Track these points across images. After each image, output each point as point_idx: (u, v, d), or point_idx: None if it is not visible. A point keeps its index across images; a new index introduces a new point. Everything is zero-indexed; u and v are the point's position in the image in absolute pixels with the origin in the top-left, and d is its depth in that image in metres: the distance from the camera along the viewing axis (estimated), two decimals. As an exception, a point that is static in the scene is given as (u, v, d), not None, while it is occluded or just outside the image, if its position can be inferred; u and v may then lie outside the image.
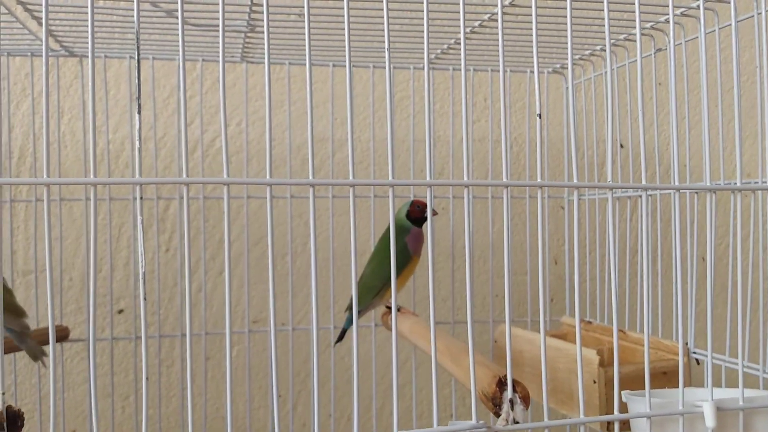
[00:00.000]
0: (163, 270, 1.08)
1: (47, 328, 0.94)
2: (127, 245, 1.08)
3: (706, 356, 0.63)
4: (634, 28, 0.76)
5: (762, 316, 0.78)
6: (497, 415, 0.54)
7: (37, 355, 0.89)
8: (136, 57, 0.46)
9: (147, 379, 0.45)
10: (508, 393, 0.53)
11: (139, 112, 0.46)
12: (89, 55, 0.48)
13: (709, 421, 0.57)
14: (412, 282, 1.03)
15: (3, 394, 0.46)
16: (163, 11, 0.68)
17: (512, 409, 0.53)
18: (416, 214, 0.93)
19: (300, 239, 1.14)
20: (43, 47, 0.46)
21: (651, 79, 0.94)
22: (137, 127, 0.46)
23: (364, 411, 1.11)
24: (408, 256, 0.92)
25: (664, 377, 0.80)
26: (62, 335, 0.97)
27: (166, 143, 1.11)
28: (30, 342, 0.86)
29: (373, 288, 0.92)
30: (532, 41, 0.55)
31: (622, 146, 1.14)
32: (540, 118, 0.55)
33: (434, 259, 1.06)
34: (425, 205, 0.92)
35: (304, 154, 1.14)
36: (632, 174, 0.89)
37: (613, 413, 0.60)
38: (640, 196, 0.60)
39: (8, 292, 0.84)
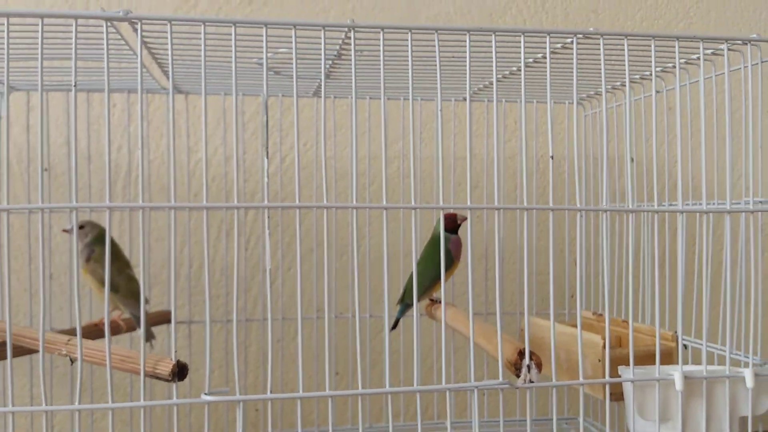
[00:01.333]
0: (247, 266, 1.29)
1: (155, 313, 1.16)
2: (213, 246, 1.29)
3: (700, 343, 0.82)
4: (637, 71, 0.95)
5: (731, 308, 0.96)
6: (518, 376, 0.74)
7: (148, 337, 1.09)
8: (265, 116, 0.67)
9: (272, 320, 0.65)
10: (526, 360, 0.73)
11: (266, 157, 0.66)
12: (233, 98, 0.68)
13: (678, 385, 0.76)
14: (451, 280, 1.24)
15: (176, 351, 0.67)
16: (277, 74, 0.88)
17: (529, 372, 0.73)
18: (450, 225, 1.15)
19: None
20: (203, 118, 0.66)
21: (643, 117, 1.12)
22: (265, 166, 0.66)
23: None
24: (451, 261, 1.14)
25: (657, 358, 0.99)
26: (166, 318, 1.18)
27: (249, 167, 1.32)
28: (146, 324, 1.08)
29: (422, 285, 1.13)
30: (556, 80, 0.74)
31: (632, 159, 1.33)
32: (552, 159, 0.74)
33: (473, 263, 1.27)
34: (454, 216, 1.14)
35: (361, 171, 1.35)
36: (636, 195, 1.07)
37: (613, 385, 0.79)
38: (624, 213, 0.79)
39: (134, 281, 1.04)
